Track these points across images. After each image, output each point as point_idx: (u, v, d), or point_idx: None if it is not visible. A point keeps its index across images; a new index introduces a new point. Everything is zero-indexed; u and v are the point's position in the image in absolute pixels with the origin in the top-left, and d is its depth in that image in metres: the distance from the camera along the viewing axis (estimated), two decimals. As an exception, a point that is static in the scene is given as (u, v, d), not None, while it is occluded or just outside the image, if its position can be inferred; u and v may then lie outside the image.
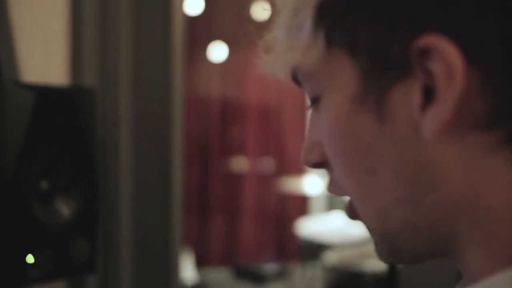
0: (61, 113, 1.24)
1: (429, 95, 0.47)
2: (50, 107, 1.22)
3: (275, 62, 0.55)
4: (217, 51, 5.27)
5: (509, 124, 0.47)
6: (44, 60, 1.56)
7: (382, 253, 0.55)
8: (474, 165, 0.48)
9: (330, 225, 4.67)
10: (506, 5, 0.45)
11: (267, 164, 5.53)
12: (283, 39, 0.54)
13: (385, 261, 0.55)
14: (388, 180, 0.50)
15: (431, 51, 0.46)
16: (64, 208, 1.27)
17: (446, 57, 0.45)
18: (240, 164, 5.48)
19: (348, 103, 0.51)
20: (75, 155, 1.29)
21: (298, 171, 5.39)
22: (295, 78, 0.57)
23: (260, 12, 4.98)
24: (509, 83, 0.46)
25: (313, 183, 4.94)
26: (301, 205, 5.59)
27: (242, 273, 4.94)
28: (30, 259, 1.19)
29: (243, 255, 5.43)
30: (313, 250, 4.65)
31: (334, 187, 0.57)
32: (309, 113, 0.58)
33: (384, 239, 0.53)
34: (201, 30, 5.20)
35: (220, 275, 5.21)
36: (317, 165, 0.58)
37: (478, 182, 0.48)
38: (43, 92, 1.20)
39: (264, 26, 0.58)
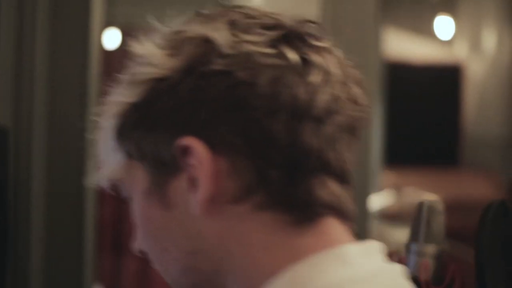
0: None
1: (194, 183, 0.60)
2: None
3: (98, 177, 0.69)
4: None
5: (254, 196, 0.60)
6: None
7: None
8: (229, 231, 0.62)
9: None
10: (237, 106, 0.60)
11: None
12: (101, 158, 0.68)
13: None
14: (173, 255, 0.64)
15: (188, 151, 0.60)
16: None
17: (196, 152, 0.60)
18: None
19: (142, 198, 0.65)
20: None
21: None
22: (115, 187, 0.69)
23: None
24: (249, 166, 0.60)
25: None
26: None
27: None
28: None
29: (157, 292, 5.36)
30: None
31: None
32: None
33: None
34: (118, 63, 5.18)
35: (133, 313, 5.10)
36: (141, 252, 0.69)
37: (232, 245, 0.62)
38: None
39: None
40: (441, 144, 5.09)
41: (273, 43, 0.60)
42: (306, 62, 0.61)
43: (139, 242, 0.69)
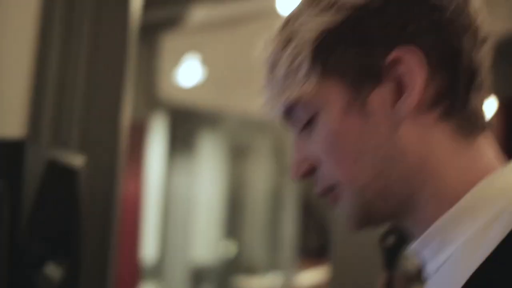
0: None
1: (397, 94, 0.69)
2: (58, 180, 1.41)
3: (275, 101, 0.74)
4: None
5: (442, 105, 0.69)
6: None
7: (356, 222, 0.74)
8: (423, 138, 0.69)
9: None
10: (436, 25, 0.69)
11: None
12: (281, 82, 0.73)
13: (357, 227, 0.74)
14: (369, 162, 0.70)
15: (398, 61, 0.68)
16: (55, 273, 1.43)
17: (413, 61, 0.68)
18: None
19: (340, 111, 0.70)
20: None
21: None
22: (288, 112, 0.75)
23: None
24: (442, 77, 0.69)
25: None
26: None
27: None
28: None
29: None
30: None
31: (321, 184, 0.75)
32: (295, 138, 0.77)
33: (361, 209, 0.72)
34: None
35: None
36: (306, 174, 0.75)
37: (426, 150, 0.69)
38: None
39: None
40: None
41: None
42: None
43: (308, 167, 0.75)
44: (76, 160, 1.58)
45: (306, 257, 6.85)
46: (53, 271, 1.44)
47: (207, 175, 7.24)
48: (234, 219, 7.45)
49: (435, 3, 0.70)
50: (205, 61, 6.23)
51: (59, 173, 1.48)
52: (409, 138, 0.69)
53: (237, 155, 7.53)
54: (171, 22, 6.06)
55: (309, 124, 0.74)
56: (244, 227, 7.54)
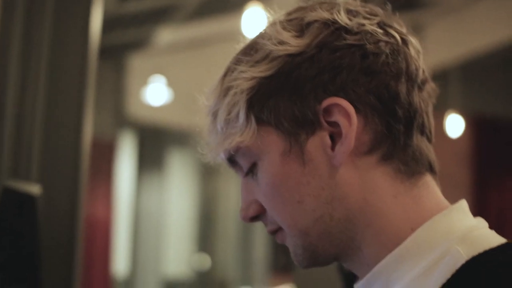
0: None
1: (333, 138, 0.71)
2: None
3: (218, 149, 0.76)
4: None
5: (381, 148, 0.70)
6: None
7: (302, 260, 0.74)
8: (363, 180, 0.70)
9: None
10: (370, 71, 0.70)
11: None
12: (221, 131, 0.75)
13: (304, 266, 0.75)
14: (309, 206, 0.71)
15: (331, 108, 0.70)
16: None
17: (345, 108, 0.69)
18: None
19: (279, 158, 0.72)
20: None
21: None
22: (230, 159, 0.77)
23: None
24: (380, 121, 0.70)
25: None
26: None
27: None
28: None
29: None
30: None
31: (270, 225, 0.76)
32: (242, 182, 0.78)
33: (306, 250, 0.74)
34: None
35: None
36: (254, 218, 0.77)
37: (366, 192, 0.70)
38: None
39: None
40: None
41: (379, 26, 0.73)
42: (404, 41, 0.74)
43: (255, 211, 0.76)
44: (34, 187, 1.58)
45: (278, 272, 6.88)
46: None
47: (177, 192, 7.25)
48: (206, 234, 7.46)
49: (369, 49, 0.71)
50: (172, 82, 6.26)
51: (16, 200, 1.48)
52: (349, 181, 0.70)
53: (208, 172, 7.55)
54: (138, 44, 6.11)
55: (251, 170, 0.75)
56: (217, 242, 7.55)
